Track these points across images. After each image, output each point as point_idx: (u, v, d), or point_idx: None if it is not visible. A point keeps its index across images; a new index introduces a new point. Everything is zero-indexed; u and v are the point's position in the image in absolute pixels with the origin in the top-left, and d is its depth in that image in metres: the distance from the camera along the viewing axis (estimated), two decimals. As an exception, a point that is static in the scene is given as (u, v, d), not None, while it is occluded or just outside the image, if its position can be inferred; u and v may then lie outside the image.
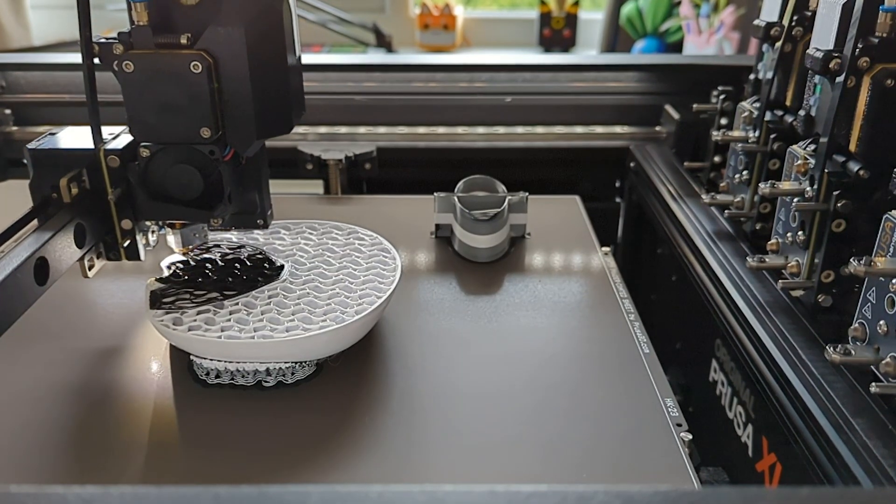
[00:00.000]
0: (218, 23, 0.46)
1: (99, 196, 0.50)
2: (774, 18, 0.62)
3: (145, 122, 0.48)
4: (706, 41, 1.48)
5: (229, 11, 0.46)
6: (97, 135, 0.49)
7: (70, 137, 0.51)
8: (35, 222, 0.48)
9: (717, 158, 0.74)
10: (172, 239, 0.54)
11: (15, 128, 0.92)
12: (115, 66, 0.47)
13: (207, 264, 0.55)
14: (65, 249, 0.46)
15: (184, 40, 0.46)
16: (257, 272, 0.55)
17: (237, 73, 0.47)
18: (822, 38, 0.52)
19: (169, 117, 0.47)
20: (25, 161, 0.49)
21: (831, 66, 0.49)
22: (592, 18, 1.80)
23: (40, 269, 0.43)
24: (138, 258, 0.53)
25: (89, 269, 0.51)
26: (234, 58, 0.47)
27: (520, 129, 0.94)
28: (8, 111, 0.92)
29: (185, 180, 0.49)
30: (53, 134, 0.51)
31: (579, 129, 0.94)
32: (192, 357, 0.49)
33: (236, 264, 0.55)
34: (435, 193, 0.69)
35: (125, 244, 0.52)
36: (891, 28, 0.47)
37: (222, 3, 0.46)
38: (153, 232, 0.54)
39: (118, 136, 0.51)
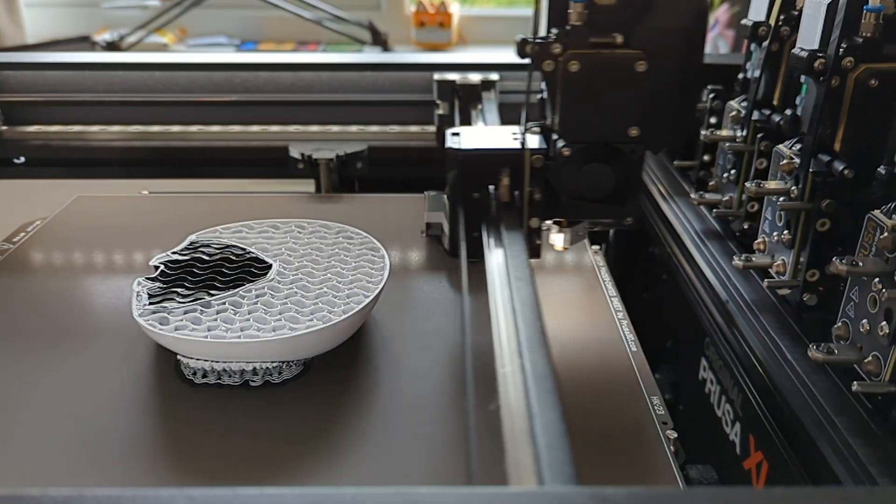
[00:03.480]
0: (655, 22, 0.45)
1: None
2: (762, 18, 0.62)
3: (576, 121, 0.47)
4: (700, 39, 1.48)
5: (665, 11, 0.45)
6: (524, 134, 0.49)
7: (482, 137, 0.50)
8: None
9: (706, 157, 0.74)
10: (558, 238, 0.53)
11: (5, 127, 0.91)
12: (551, 65, 0.46)
13: (195, 263, 0.55)
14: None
15: (618, 39, 0.45)
16: (245, 271, 0.55)
17: (668, 72, 0.46)
18: (808, 37, 0.52)
19: (602, 116, 0.47)
20: (448, 162, 0.48)
21: (816, 65, 0.50)
22: (587, 16, 1.80)
23: None
24: (538, 257, 0.52)
25: None
26: (667, 57, 0.46)
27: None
28: (-2, 110, 0.91)
29: (598, 179, 0.49)
30: (456, 134, 0.50)
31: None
32: (178, 357, 0.49)
33: (224, 263, 0.55)
34: (426, 192, 0.69)
35: (534, 242, 0.51)
36: (875, 28, 0.47)
37: (656, 3, 0.45)
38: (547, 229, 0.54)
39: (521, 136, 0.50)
